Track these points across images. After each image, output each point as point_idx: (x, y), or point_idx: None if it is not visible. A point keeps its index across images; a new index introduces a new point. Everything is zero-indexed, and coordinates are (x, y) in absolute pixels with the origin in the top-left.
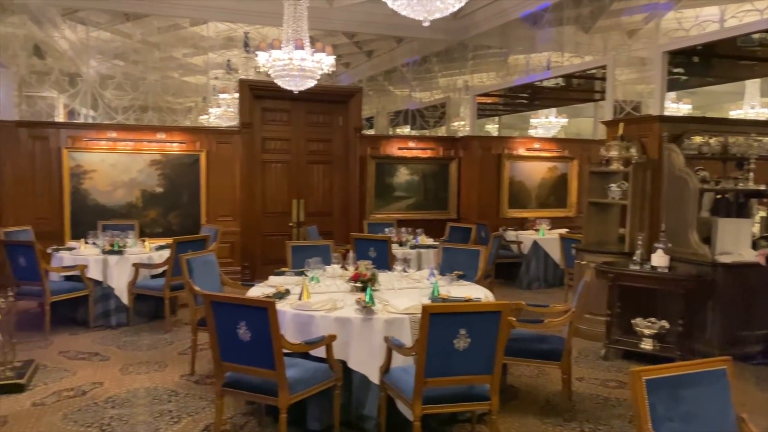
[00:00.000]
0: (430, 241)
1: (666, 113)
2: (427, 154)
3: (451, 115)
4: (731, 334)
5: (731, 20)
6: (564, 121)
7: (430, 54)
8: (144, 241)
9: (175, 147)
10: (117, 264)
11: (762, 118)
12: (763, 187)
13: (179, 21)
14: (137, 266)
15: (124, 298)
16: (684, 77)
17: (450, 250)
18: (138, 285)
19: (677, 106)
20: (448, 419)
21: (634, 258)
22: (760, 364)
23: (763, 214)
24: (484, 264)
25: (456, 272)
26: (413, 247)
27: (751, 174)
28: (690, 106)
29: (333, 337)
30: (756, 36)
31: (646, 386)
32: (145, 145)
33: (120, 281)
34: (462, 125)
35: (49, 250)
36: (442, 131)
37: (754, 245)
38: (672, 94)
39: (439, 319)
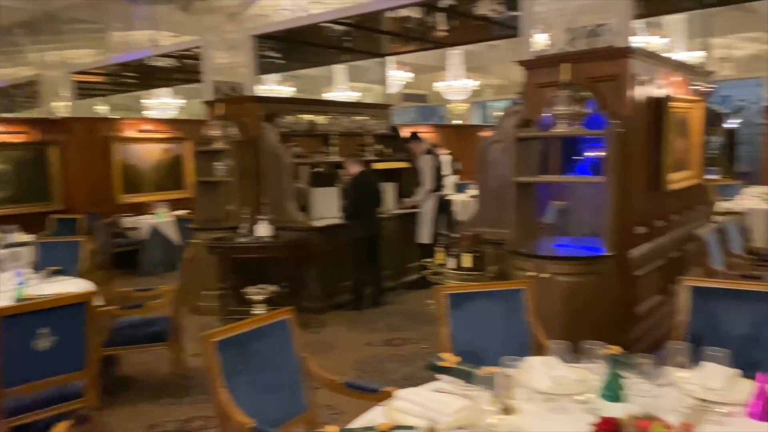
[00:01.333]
0: (28, 238)
1: (270, 95)
2: (20, 138)
3: (48, 94)
4: (328, 287)
5: (313, 10)
6: (182, 102)
7: (12, 24)
8: None
9: None
10: None
11: (349, 100)
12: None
13: None
14: None
15: None
16: (281, 61)
17: (48, 245)
18: None
19: (281, 89)
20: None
21: (240, 230)
22: (350, 309)
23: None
24: (89, 255)
25: (51, 268)
26: (7, 246)
27: (335, 148)
28: (294, 89)
29: None
30: (339, 27)
31: (217, 347)
32: None
33: None
34: (64, 106)
35: None
36: (38, 113)
37: None
38: (278, 77)
39: (14, 321)
